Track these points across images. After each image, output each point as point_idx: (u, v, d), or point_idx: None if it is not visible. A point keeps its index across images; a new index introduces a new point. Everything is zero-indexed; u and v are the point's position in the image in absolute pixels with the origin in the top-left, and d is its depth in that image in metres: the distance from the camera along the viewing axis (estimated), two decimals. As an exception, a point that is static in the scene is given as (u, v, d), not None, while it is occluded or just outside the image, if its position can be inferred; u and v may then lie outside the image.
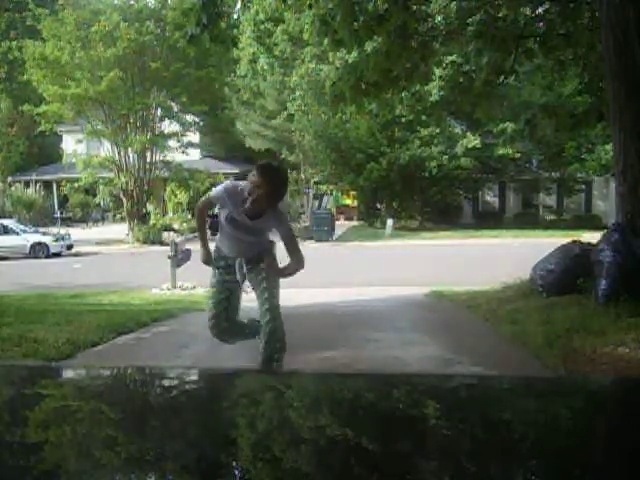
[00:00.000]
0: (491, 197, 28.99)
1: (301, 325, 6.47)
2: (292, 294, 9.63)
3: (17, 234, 20.00)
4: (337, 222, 24.71)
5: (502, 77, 8.94)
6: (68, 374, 1.38)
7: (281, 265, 3.88)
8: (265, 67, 23.62)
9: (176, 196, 24.87)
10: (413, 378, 1.26)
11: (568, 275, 6.64)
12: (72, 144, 26.08)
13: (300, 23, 13.14)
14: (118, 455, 0.81)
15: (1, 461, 0.78)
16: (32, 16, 22.67)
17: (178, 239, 12.38)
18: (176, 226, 23.69)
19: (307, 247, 21.19)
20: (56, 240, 20.22)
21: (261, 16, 20.71)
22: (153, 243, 21.84)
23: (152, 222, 23.27)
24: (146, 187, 23.77)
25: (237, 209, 3.53)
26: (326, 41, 8.15)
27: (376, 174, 23.78)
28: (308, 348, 5.06)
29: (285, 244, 3.75)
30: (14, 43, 25.08)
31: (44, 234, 20.97)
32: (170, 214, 24.84)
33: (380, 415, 0.96)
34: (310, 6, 7.61)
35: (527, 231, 22.13)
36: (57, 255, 19.48)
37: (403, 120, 21.63)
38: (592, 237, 8.01)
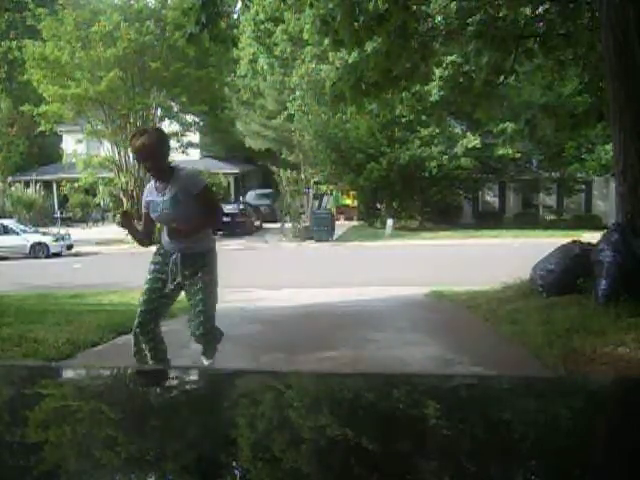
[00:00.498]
0: (491, 197, 28.99)
1: (301, 325, 6.47)
2: (292, 294, 9.68)
3: (17, 234, 20.00)
4: (337, 222, 24.71)
5: (502, 77, 8.94)
6: (68, 374, 1.38)
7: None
8: (265, 67, 23.61)
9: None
10: (413, 378, 1.26)
11: (568, 275, 6.64)
12: (72, 144, 26.09)
13: (300, 23, 13.14)
14: (118, 455, 0.81)
15: (1, 461, 0.78)
16: (32, 16, 22.67)
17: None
18: (176, 226, 23.65)
19: (307, 247, 21.21)
20: (56, 240, 20.22)
21: (261, 16, 20.70)
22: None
23: (152, 222, 23.22)
24: (146, 187, 23.75)
25: (150, 194, 3.78)
26: (326, 41, 8.16)
27: (376, 174, 23.78)
28: (308, 348, 5.07)
29: (198, 201, 3.68)
30: (14, 43, 25.06)
31: (44, 234, 20.97)
32: (170, 214, 24.80)
33: (380, 415, 0.96)
34: (310, 6, 7.62)
35: (527, 231, 22.13)
36: (57, 255, 19.48)
37: (403, 120, 21.62)
38: (592, 237, 8.00)
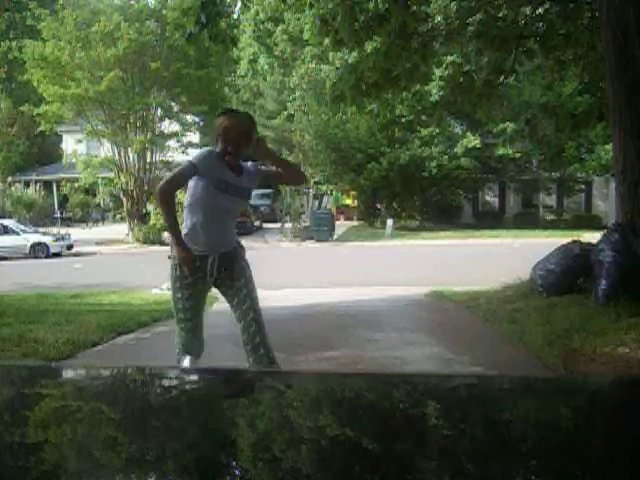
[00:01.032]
0: (491, 197, 29.00)
1: (301, 325, 6.47)
2: (292, 294, 9.67)
3: (17, 234, 20.00)
4: (337, 222, 24.72)
5: (502, 77, 8.95)
6: (68, 374, 1.38)
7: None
8: (265, 67, 23.67)
9: (176, 196, 24.87)
10: (413, 378, 1.26)
11: (568, 275, 6.64)
12: (72, 144, 26.11)
13: (300, 23, 13.15)
14: (118, 455, 0.81)
15: (1, 461, 0.78)
16: (32, 16, 22.66)
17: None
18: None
19: (307, 247, 21.21)
20: (56, 240, 20.23)
21: (261, 16, 20.74)
22: (153, 243, 21.84)
23: (152, 222, 23.27)
24: (146, 187, 23.77)
25: (223, 170, 3.16)
26: (326, 41, 8.16)
27: (376, 174, 23.79)
28: (308, 348, 5.07)
29: (272, 172, 3.54)
30: (14, 43, 25.06)
31: (44, 234, 20.98)
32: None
33: (380, 415, 0.96)
34: (310, 6, 7.62)
35: (527, 231, 22.15)
36: (57, 255, 19.48)
37: (403, 120, 21.63)
38: (592, 237, 8.00)
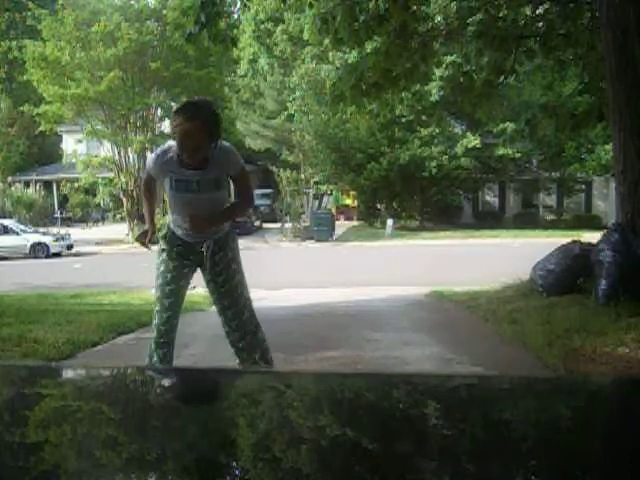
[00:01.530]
0: (491, 197, 29.00)
1: (301, 325, 6.47)
2: (292, 294, 9.67)
3: (17, 234, 20.01)
4: (337, 222, 24.72)
5: (502, 77, 8.94)
6: (68, 374, 1.38)
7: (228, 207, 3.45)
8: (265, 67, 23.66)
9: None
10: (413, 378, 1.26)
11: (568, 275, 6.64)
12: (72, 144, 26.12)
13: (300, 23, 13.15)
14: (118, 455, 0.81)
15: (1, 461, 0.78)
16: (32, 16, 22.67)
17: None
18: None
19: (307, 247, 21.21)
20: (56, 240, 20.24)
21: (261, 16, 20.75)
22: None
23: (152, 222, 23.25)
24: (146, 187, 23.75)
25: (179, 168, 3.11)
26: (326, 41, 8.16)
27: (376, 174, 23.79)
28: (308, 348, 5.07)
29: (235, 181, 3.34)
30: (14, 43, 25.07)
31: (44, 234, 20.99)
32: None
33: (380, 415, 0.96)
34: (310, 6, 7.62)
35: (527, 231, 22.14)
36: (57, 255, 19.49)
37: (403, 120, 21.65)
38: (592, 237, 8.00)
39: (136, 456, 0.81)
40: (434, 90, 11.59)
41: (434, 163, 23.65)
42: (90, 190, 28.26)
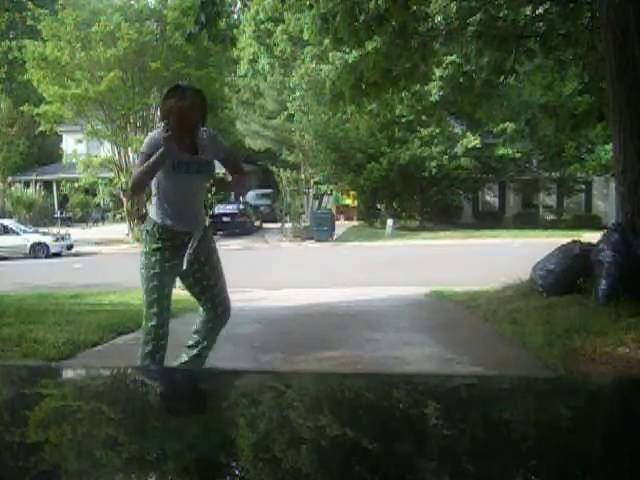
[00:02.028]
0: (491, 197, 28.99)
1: (301, 325, 6.47)
2: (292, 294, 9.68)
3: (17, 234, 20.01)
4: (337, 222, 24.71)
5: (502, 77, 8.95)
6: (68, 374, 1.38)
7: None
8: (265, 67, 23.65)
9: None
10: (413, 378, 1.26)
11: (568, 275, 6.64)
12: (72, 144, 26.11)
13: (300, 23, 13.14)
14: (118, 455, 0.81)
15: (1, 461, 0.78)
16: (32, 16, 22.67)
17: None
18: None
19: (307, 247, 21.21)
20: (56, 240, 20.23)
21: (261, 16, 20.73)
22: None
23: (152, 222, 23.25)
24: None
25: (177, 151, 3.13)
26: (326, 41, 8.16)
27: (376, 174, 23.78)
28: (308, 348, 5.07)
29: (228, 164, 3.49)
30: (14, 43, 25.07)
31: (44, 234, 20.98)
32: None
33: (380, 415, 0.96)
34: (310, 6, 7.62)
35: (527, 231, 22.13)
36: (57, 255, 19.48)
37: (403, 120, 21.62)
38: (592, 237, 8.00)
39: (136, 456, 0.81)
40: (434, 90, 11.58)
41: (434, 163, 23.64)
42: (90, 190, 28.24)
